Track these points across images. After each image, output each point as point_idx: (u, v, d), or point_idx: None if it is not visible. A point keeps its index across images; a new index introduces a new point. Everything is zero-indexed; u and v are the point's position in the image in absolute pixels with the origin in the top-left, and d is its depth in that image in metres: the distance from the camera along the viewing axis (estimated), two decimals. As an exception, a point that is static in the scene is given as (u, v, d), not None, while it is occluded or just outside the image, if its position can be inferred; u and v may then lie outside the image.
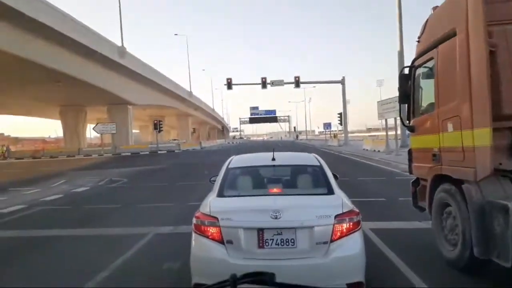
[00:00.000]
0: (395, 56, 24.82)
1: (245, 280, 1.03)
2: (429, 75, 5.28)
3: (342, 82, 43.07)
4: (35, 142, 75.72)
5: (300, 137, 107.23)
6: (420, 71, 5.54)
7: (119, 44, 37.44)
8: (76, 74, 31.61)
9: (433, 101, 5.01)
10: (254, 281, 1.03)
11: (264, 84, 40.48)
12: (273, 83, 41.44)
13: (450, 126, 4.52)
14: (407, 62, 6.14)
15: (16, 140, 71.28)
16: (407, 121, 5.93)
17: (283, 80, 42.07)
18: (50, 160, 36.34)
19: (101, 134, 43.04)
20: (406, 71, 5.74)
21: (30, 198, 11.34)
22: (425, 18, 5.39)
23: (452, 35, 4.46)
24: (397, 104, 6.89)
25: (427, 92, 5.37)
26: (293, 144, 53.16)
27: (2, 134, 46.18)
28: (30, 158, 40.43)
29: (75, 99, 43.17)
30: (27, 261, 5.56)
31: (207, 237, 3.45)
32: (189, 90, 67.02)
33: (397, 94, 6.07)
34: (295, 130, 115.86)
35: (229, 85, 40.70)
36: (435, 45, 4.94)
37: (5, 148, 42.68)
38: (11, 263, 5.48)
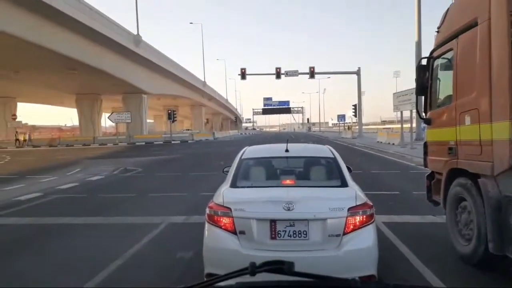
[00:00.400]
0: (413, 46, 24.44)
1: (264, 269, 1.03)
2: (447, 66, 5.17)
3: (358, 73, 42.53)
4: (52, 130, 77.20)
5: (314, 128, 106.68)
6: (438, 62, 5.42)
7: (135, 32, 37.58)
8: (92, 62, 31.88)
9: (451, 93, 4.91)
10: (273, 270, 1.03)
11: (278, 74, 40.23)
12: (287, 74, 41.16)
13: (467, 119, 4.42)
14: (425, 53, 6.01)
15: (33, 128, 72.65)
16: (424, 114, 5.83)
17: (297, 71, 41.75)
18: (66, 149, 36.97)
19: (116, 123, 43.51)
20: (424, 62, 5.63)
21: (46, 186, 11.56)
22: (446, 7, 5.26)
23: (473, 25, 4.34)
24: (413, 96, 6.78)
25: (445, 84, 5.26)
26: (306, 136, 52.94)
27: (20, 122, 46.99)
28: (47, 146, 41.20)
29: (90, 87, 43.62)
30: (42, 248, 5.68)
31: (220, 227, 3.48)
32: (203, 80, 67.11)
33: (413, 86, 5.96)
34: (308, 121, 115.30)
35: (243, 75, 40.58)
36: (455, 35, 4.82)
37: (27, 136, 43.69)
38: (27, 250, 5.61)
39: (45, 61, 29.38)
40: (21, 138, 42.13)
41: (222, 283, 1.05)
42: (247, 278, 1.02)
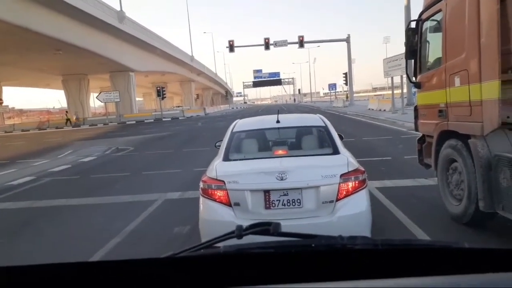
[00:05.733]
0: (402, 11, 24.11)
1: (251, 231, 1.04)
2: (436, 28, 5.11)
3: (347, 40, 42.11)
4: (41, 113, 75.99)
5: (305, 99, 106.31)
6: (427, 24, 5.36)
7: (118, 8, 36.52)
8: (75, 42, 31.09)
9: (441, 55, 4.88)
10: (260, 232, 1.04)
11: (267, 45, 39.74)
12: (276, 44, 40.68)
13: (457, 81, 4.42)
14: (414, 16, 5.93)
15: (21, 112, 71.47)
16: (414, 78, 5.82)
17: (286, 40, 41.26)
18: (56, 131, 36.57)
19: (105, 103, 42.95)
20: (413, 25, 5.56)
21: (38, 169, 11.49)
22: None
23: (461, -16, 4.26)
24: (403, 61, 6.74)
25: (434, 46, 5.22)
26: (296, 108, 52.87)
27: (7, 106, 46.49)
28: (36, 130, 40.74)
29: (76, 67, 42.71)
30: (39, 231, 5.68)
31: (215, 200, 3.50)
32: (191, 55, 66.02)
33: (403, 51, 5.91)
34: (299, 92, 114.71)
35: (231, 47, 40.02)
36: (443, -4, 4.74)
37: (75, 117, 43.35)
38: (24, 233, 5.61)
39: (28, 42, 28.55)
40: (72, 119, 42.39)
41: (209, 248, 1.05)
42: (234, 242, 1.02)
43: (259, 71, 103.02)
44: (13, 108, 62.87)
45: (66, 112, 44.26)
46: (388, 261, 0.90)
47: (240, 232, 1.03)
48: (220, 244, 1.02)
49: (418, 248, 0.99)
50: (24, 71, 42.84)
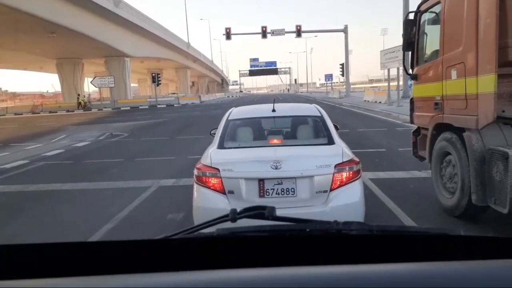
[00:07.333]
0: (401, 2, 24.00)
1: (245, 214, 1.03)
2: (435, 20, 5.09)
3: (345, 31, 41.92)
4: (34, 97, 75.18)
5: (301, 89, 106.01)
6: (426, 16, 5.33)
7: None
8: (70, 25, 30.64)
9: (438, 48, 4.87)
10: (255, 215, 1.03)
11: (264, 33, 39.46)
12: (273, 33, 40.42)
13: (454, 74, 4.42)
14: (412, 8, 5.90)
15: (14, 95, 70.61)
16: (410, 70, 5.81)
17: (284, 29, 41.00)
18: (50, 115, 36.25)
19: (99, 88, 42.53)
20: (411, 16, 5.53)
21: (31, 153, 11.39)
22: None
23: (461, -24, 4.23)
24: (400, 53, 6.72)
25: (432, 38, 5.20)
26: (293, 98, 52.76)
27: (0, 89, 45.89)
28: (29, 114, 40.35)
29: (70, 51, 42.17)
30: (31, 215, 5.66)
31: (209, 187, 3.50)
32: (187, 41, 65.42)
33: (401, 43, 5.88)
34: (295, 82, 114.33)
35: (228, 35, 39.67)
36: (442, -12, 4.71)
37: (86, 100, 42.72)
38: (16, 217, 5.58)
39: (20, 24, 28.05)
40: (82, 102, 41.95)
41: (203, 231, 1.05)
42: (228, 225, 1.02)
43: (256, 59, 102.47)
44: (6, 91, 62.13)
45: (78, 95, 43.81)
46: (383, 247, 0.90)
47: (234, 215, 1.03)
48: (214, 228, 1.01)
49: (413, 235, 0.98)
50: (16, 53, 42.16)
